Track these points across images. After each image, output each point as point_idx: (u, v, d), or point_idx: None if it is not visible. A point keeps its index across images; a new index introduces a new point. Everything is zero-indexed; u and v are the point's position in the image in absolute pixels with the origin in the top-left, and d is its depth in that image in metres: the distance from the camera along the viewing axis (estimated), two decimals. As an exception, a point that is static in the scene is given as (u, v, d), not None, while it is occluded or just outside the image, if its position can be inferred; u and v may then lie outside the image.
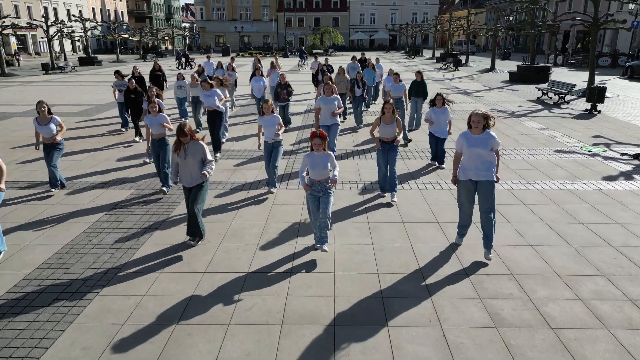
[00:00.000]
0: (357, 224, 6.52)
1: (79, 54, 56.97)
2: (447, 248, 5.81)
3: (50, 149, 7.74)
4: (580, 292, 4.81)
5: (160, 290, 4.89)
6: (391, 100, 7.16)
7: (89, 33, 45.42)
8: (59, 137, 7.77)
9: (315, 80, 17.83)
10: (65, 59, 50.16)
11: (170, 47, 73.25)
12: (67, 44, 62.26)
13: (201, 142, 5.69)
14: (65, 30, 39.77)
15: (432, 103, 8.99)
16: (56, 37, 42.22)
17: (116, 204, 7.34)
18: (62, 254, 5.74)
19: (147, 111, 7.64)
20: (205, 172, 5.66)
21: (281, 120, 7.75)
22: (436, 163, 9.35)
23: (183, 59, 38.66)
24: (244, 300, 4.70)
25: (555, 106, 16.43)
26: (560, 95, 16.68)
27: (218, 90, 9.95)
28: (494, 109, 15.99)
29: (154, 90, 9.72)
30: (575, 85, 16.99)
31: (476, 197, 5.56)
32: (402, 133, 7.27)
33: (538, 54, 46.47)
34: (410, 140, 11.31)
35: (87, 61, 41.31)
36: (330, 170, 5.51)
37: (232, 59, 18.50)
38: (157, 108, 7.43)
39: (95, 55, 47.20)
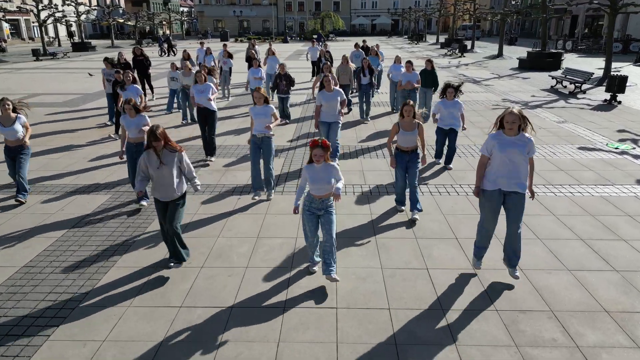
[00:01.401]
0: (363, 241, 5.62)
1: (71, 39, 55.51)
2: (469, 273, 4.92)
3: (15, 153, 6.78)
4: (638, 336, 3.92)
5: (124, 333, 4.01)
6: (411, 102, 6.11)
7: (82, 17, 44.04)
8: (27, 140, 6.82)
9: (318, 68, 16.78)
10: (59, 45, 48.85)
11: (167, 32, 71.54)
12: (62, 29, 60.74)
13: (178, 150, 4.78)
14: (57, 14, 38.34)
15: (443, 94, 7.98)
16: (50, 22, 40.94)
17: (87, 215, 6.43)
18: (15, 279, 4.86)
19: (123, 109, 6.59)
20: (197, 186, 4.94)
21: (276, 112, 6.79)
22: (440, 161, 8.39)
23: (165, 45, 35.81)
24: (226, 349, 3.82)
25: (571, 96, 15.40)
26: (577, 84, 15.64)
27: (212, 85, 8.74)
28: (506, 99, 14.99)
29: (130, 74, 8.71)
30: (593, 73, 15.93)
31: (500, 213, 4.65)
32: (425, 146, 6.18)
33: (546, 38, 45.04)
34: None
35: (80, 47, 40.04)
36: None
37: (225, 45, 17.42)
38: (134, 109, 6.38)
39: (89, 41, 45.83)
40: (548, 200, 6.80)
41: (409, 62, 10.70)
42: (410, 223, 6.09)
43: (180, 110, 12.54)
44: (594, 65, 24.18)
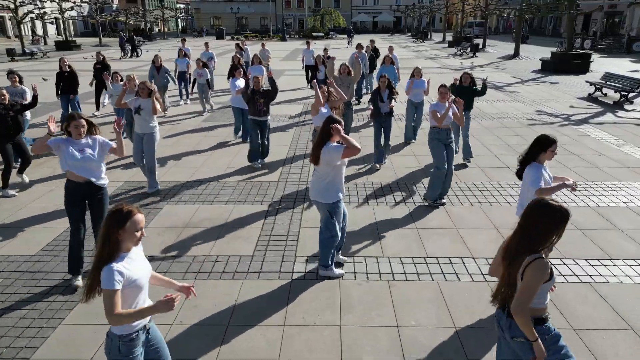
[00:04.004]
0: (390, 398, 3.24)
1: (61, 37, 53.03)
2: None
3: None
4: None
5: None
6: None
7: (66, 14, 41.56)
8: None
9: (313, 75, 14.30)
10: (46, 43, 46.50)
11: (162, 29, 69.05)
12: (52, 28, 58.26)
13: None
14: (36, 11, 35.73)
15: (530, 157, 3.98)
16: (36, 18, 38.50)
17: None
18: None
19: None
20: None
21: None
22: None
23: (128, 46, 30.67)
24: None
25: (617, 107, 13.00)
26: (622, 93, 13.25)
27: (106, 142, 4.54)
28: (540, 110, 12.58)
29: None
30: (641, 79, 13.53)
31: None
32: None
33: (557, 37, 42.67)
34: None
35: (64, 45, 37.60)
36: None
37: (207, 44, 15.03)
38: None
39: (74, 39, 43.40)
40: (668, 292, 4.41)
41: (444, 87, 6.45)
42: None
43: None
44: (620, 66, 21.84)
